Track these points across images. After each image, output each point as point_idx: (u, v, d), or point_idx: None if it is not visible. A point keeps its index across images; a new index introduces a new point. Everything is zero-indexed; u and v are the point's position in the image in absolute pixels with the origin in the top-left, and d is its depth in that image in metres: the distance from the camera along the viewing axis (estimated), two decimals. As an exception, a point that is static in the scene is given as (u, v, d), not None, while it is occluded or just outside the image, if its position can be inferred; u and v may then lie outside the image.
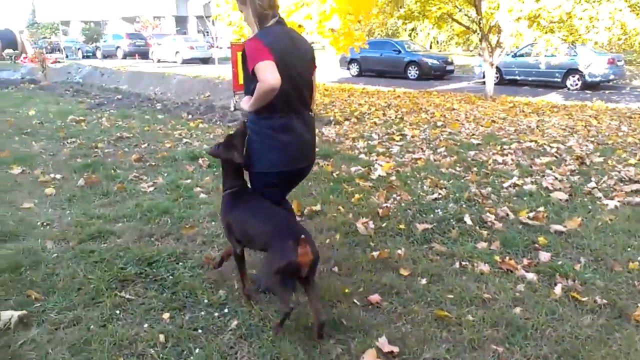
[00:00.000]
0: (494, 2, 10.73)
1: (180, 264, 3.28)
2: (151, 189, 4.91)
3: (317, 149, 3.04)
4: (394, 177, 5.07)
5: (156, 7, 48.86)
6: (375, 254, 3.40)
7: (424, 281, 3.10)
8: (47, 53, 26.71)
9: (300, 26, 13.10)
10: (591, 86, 15.50)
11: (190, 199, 4.55)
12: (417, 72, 18.94)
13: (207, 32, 51.64)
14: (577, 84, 15.42)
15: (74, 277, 3.08)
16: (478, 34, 11.83)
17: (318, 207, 4.25)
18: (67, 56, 29.48)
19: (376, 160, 5.87)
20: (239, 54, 9.23)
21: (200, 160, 5.85)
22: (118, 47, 31.53)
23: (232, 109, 9.47)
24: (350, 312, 2.76)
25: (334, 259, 3.37)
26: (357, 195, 4.52)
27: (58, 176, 5.25)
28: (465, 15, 12.24)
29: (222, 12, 13.94)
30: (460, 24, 12.36)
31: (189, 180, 5.10)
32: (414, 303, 2.86)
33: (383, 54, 19.68)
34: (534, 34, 9.86)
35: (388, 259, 3.38)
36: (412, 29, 37.89)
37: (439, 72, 19.15)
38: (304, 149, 2.72)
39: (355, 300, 2.88)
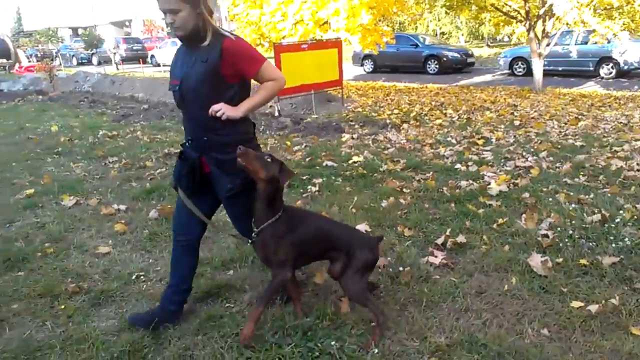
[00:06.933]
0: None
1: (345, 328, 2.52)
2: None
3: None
4: (525, 194, 4.31)
5: (146, 10, 47.83)
6: (592, 308, 2.64)
7: (675, 345, 2.36)
8: (37, 61, 25.80)
9: (325, 23, 12.35)
10: (625, 74, 14.87)
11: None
12: (437, 66, 18.20)
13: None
14: (611, 72, 14.76)
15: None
16: (524, 23, 11.08)
17: (462, 239, 3.50)
18: (60, 64, 28.43)
19: (479, 171, 5.13)
20: (283, 55, 8.50)
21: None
22: (115, 52, 30.49)
23: (277, 114, 8.66)
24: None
25: (537, 318, 2.63)
26: (499, 220, 3.77)
27: (122, 207, 4.47)
28: (505, 4, 11.49)
29: (239, 12, 13.22)
30: (505, 13, 11.59)
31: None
32: (695, 383, 2.13)
33: (400, 49, 18.89)
34: (595, 21, 9.11)
35: (605, 313, 2.64)
36: (414, 22, 36.90)
37: (459, 66, 18.42)
38: None
39: (610, 383, 2.14)
